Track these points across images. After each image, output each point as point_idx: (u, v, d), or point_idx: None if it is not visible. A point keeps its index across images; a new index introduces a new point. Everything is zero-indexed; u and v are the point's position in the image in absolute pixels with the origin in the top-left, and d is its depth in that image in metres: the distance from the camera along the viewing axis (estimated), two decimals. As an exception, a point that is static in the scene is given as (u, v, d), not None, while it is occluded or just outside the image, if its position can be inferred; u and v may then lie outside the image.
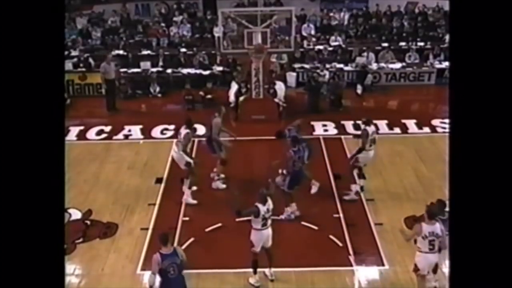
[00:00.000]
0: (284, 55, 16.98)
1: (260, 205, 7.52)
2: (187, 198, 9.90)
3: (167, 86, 16.37)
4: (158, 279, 6.58)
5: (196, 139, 11.63)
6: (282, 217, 9.17)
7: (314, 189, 9.83)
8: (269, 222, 7.71)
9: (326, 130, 13.34)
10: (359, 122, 10.36)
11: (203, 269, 8.13)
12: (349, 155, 11.53)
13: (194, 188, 10.13)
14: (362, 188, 10.23)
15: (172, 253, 6.61)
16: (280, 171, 9.68)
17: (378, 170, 10.41)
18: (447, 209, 8.01)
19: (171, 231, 8.80)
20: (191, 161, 9.89)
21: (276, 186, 8.98)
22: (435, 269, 7.70)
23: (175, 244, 8.38)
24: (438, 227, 7.09)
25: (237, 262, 8.04)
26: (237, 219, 8.20)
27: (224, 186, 10.54)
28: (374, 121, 10.79)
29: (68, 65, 16.17)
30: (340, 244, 8.73)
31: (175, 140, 12.16)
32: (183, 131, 10.00)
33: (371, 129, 10.00)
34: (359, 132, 10.38)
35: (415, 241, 7.33)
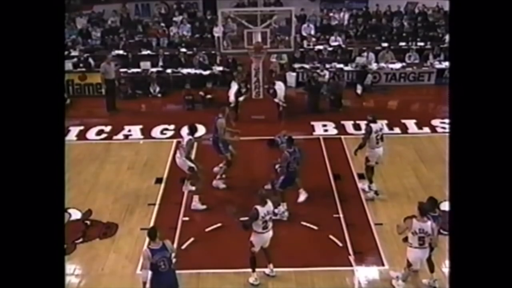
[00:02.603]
0: (284, 55, 16.95)
1: (259, 207, 7.51)
2: (196, 204, 9.77)
3: (167, 86, 16.36)
4: (150, 273, 6.61)
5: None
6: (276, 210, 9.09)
7: (301, 198, 9.74)
8: (270, 224, 7.70)
9: (326, 130, 13.33)
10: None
11: (203, 269, 8.14)
12: (349, 155, 11.56)
13: (193, 187, 10.07)
14: (364, 190, 10.28)
15: (162, 247, 6.65)
16: (276, 166, 9.60)
17: (378, 170, 10.39)
18: (444, 208, 8.06)
19: (171, 231, 8.82)
20: (194, 166, 9.80)
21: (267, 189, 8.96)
22: (432, 268, 7.73)
23: (175, 244, 8.40)
24: (429, 225, 7.22)
25: (237, 262, 8.03)
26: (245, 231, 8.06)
27: (224, 186, 10.52)
28: (374, 121, 10.76)
29: (68, 65, 16.14)
30: (340, 244, 8.73)
31: (175, 141, 12.22)
32: (186, 137, 9.92)
33: (375, 126, 9.94)
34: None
35: (406, 238, 7.48)
